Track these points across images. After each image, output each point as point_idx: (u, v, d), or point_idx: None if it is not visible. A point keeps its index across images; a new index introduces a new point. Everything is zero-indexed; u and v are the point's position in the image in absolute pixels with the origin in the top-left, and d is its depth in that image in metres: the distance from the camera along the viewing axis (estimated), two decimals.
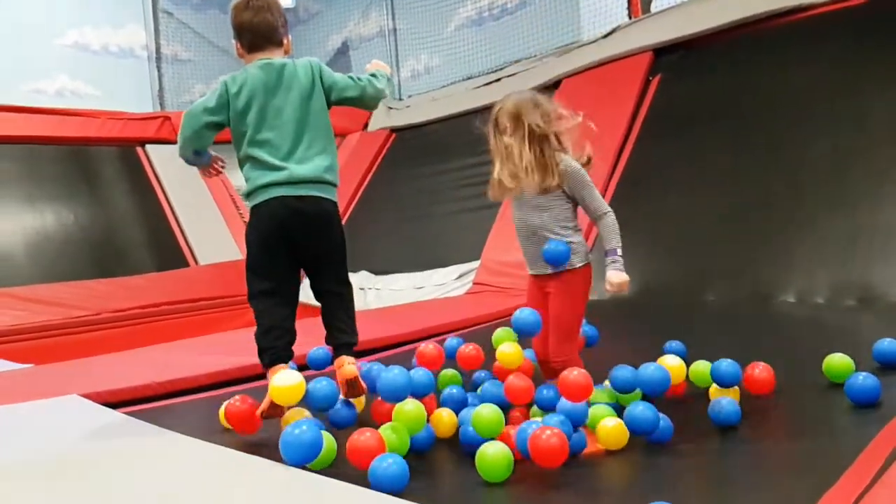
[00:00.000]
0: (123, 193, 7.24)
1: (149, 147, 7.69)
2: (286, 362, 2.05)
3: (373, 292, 5.99)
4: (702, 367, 2.24)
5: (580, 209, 2.29)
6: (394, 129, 7.82)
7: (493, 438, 1.76)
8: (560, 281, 2.25)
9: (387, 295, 5.79)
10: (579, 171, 2.26)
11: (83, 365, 3.35)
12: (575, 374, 1.88)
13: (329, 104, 2.17)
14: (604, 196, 4.85)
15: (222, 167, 2.28)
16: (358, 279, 6.21)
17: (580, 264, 2.26)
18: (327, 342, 2.20)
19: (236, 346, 3.29)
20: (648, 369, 2.01)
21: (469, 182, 5.72)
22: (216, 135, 2.16)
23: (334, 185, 2.13)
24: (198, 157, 2.23)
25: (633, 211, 4.78)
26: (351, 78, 2.18)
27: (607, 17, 6.18)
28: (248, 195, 2.08)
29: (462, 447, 1.88)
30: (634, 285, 4.31)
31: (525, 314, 2.18)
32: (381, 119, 8.15)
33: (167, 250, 7.00)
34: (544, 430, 1.68)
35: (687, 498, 1.53)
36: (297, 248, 2.08)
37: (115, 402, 2.54)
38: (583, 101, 5.68)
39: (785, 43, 4.71)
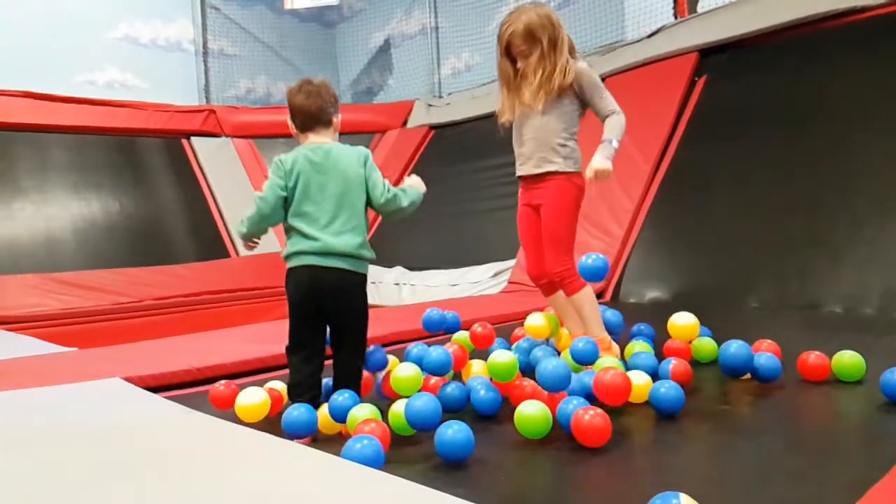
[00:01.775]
0: (168, 184, 7.39)
1: (194, 139, 7.84)
2: None
3: (407, 288, 6.02)
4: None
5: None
6: (433, 127, 7.85)
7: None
8: (551, 187, 2.30)
9: (421, 291, 5.81)
10: (592, 72, 2.40)
11: (126, 350, 3.43)
12: (611, 374, 1.85)
13: None
14: (645, 196, 4.88)
15: (257, 243, 2.44)
16: (393, 275, 6.25)
17: (571, 170, 2.31)
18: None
19: (273, 336, 3.34)
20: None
21: (507, 180, 5.66)
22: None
23: (365, 259, 2.26)
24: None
25: (676, 211, 4.74)
26: (385, 184, 2.29)
27: (652, 17, 6.10)
28: (286, 258, 2.26)
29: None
30: (674, 287, 4.32)
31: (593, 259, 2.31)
32: (420, 116, 8.18)
33: (209, 241, 7.13)
34: (587, 411, 1.70)
35: (724, 481, 1.53)
36: (322, 314, 2.23)
37: (155, 385, 2.61)
38: (626, 100, 5.61)
39: (838, 45, 4.59)
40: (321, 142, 2.29)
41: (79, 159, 6.95)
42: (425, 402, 1.88)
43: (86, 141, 7.12)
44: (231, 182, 7.64)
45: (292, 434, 1.97)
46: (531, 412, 1.80)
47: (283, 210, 2.27)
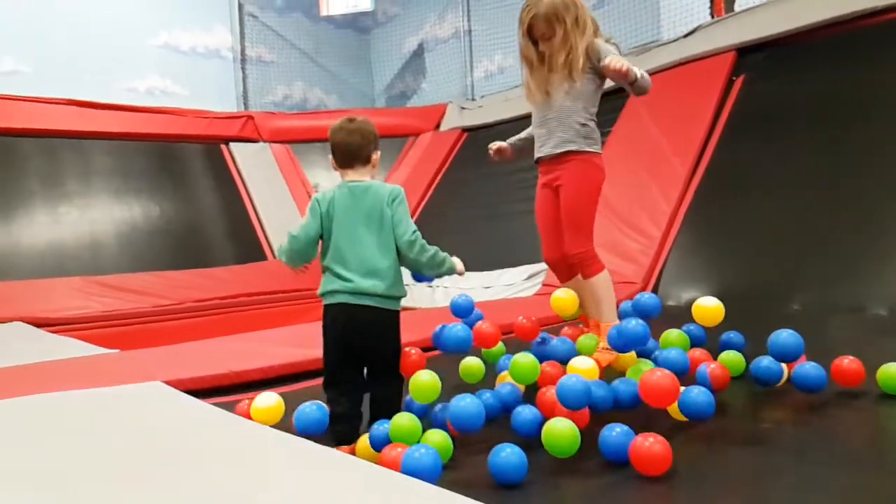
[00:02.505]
0: (207, 189, 7.53)
1: (232, 145, 7.99)
2: (350, 444, 2.21)
3: (441, 290, 6.03)
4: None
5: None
6: (465, 129, 7.85)
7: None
8: (571, 165, 2.28)
9: (455, 293, 5.81)
10: (603, 43, 2.39)
11: (166, 352, 3.49)
12: (658, 375, 1.78)
13: None
14: (683, 197, 4.82)
15: (306, 268, 2.45)
16: None
17: (592, 149, 2.29)
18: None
19: (309, 338, 3.38)
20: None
21: None
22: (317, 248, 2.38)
23: (396, 297, 2.28)
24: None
25: (715, 212, 4.67)
26: (411, 226, 2.28)
27: (688, 17, 6.02)
28: (321, 295, 2.31)
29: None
30: (713, 289, 4.24)
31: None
32: (453, 119, 8.19)
33: (247, 244, 7.24)
34: (647, 438, 1.62)
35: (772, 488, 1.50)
36: (355, 349, 2.27)
37: (195, 389, 2.65)
38: (662, 100, 5.62)
39: (878, 42, 4.48)
40: (359, 179, 2.33)
41: (121, 165, 7.12)
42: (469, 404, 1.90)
43: (128, 147, 7.29)
44: (269, 186, 7.76)
45: (304, 433, 2.02)
46: (561, 429, 1.76)
47: (315, 248, 2.33)
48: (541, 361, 2.23)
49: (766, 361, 2.26)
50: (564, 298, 2.40)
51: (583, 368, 2.14)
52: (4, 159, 6.50)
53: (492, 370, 2.57)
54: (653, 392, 1.81)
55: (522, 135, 2.62)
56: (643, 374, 1.86)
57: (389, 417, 2.24)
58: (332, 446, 2.19)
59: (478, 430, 1.90)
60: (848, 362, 2.18)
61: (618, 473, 1.68)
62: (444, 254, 2.32)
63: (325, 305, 2.28)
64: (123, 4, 8.10)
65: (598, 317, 2.35)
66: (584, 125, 2.35)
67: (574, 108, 2.36)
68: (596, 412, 1.97)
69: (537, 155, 2.45)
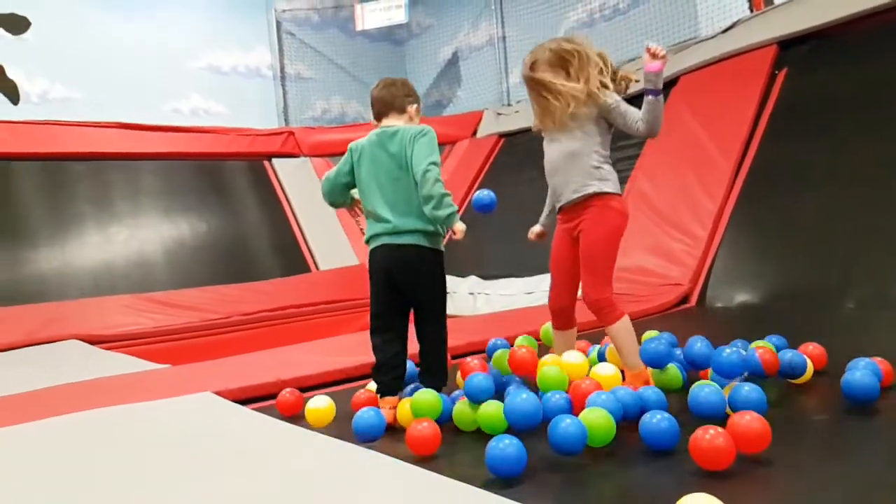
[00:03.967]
0: (251, 204, 7.66)
1: (275, 161, 8.13)
2: (394, 394, 2.27)
3: (482, 297, 6.02)
4: None
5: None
6: (502, 135, 7.83)
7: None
8: (591, 212, 2.22)
9: (496, 300, 5.80)
10: (611, 94, 2.31)
11: (216, 365, 3.55)
12: (748, 419, 1.64)
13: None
14: (728, 196, 4.72)
15: (360, 210, 2.54)
16: (467, 284, 6.26)
17: (611, 191, 2.23)
18: (419, 380, 2.41)
19: (355, 347, 3.40)
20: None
21: None
22: (350, 191, 2.51)
23: (434, 234, 2.33)
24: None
25: (763, 208, 4.55)
26: (428, 161, 2.28)
27: (727, 12, 5.92)
28: (366, 241, 2.41)
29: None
30: (764, 290, 4.14)
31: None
32: (489, 125, 8.19)
33: (291, 257, 7.34)
34: (706, 431, 1.57)
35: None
36: (399, 291, 2.33)
37: (244, 399, 2.69)
38: (703, 97, 5.52)
39: None
40: (391, 125, 2.40)
41: (168, 184, 7.29)
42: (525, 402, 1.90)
43: (174, 166, 7.47)
44: (310, 199, 7.83)
45: (362, 438, 2.03)
46: (595, 418, 1.79)
47: (346, 192, 2.47)
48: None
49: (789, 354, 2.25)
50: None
51: (606, 375, 2.17)
52: (57, 183, 6.72)
53: None
54: (743, 438, 1.64)
55: (547, 207, 2.57)
56: (733, 419, 1.68)
57: (436, 369, 2.33)
58: (379, 396, 2.31)
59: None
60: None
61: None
62: (454, 205, 2.30)
63: (370, 251, 2.38)
64: (166, 29, 8.34)
65: (623, 365, 2.28)
66: (597, 168, 2.28)
67: (585, 152, 2.30)
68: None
69: (558, 204, 2.38)
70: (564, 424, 1.73)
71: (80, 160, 6.94)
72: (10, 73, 7.27)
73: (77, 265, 6.34)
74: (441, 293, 2.37)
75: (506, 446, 1.64)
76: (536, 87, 2.38)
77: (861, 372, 1.96)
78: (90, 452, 1.99)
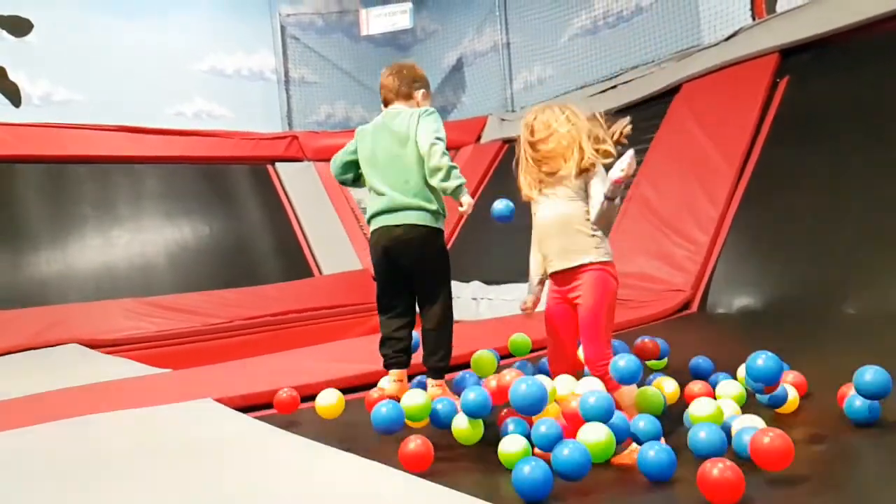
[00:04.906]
0: (254, 208, 7.66)
1: (278, 165, 8.13)
2: (400, 367, 2.34)
3: (485, 302, 6.02)
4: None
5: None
6: (506, 141, 7.84)
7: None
8: (589, 279, 2.18)
9: (499, 305, 5.80)
10: (601, 171, 2.25)
11: (217, 370, 3.56)
12: (770, 437, 1.64)
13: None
14: (730, 202, 4.72)
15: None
16: (470, 289, 6.26)
17: (606, 259, 2.21)
18: (423, 361, 2.46)
19: (358, 353, 3.40)
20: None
21: None
22: (356, 170, 2.58)
23: (432, 211, 2.35)
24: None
25: (764, 215, 4.57)
26: (434, 137, 2.35)
27: (729, 20, 5.92)
28: (368, 221, 2.46)
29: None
30: (764, 295, 4.15)
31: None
32: (493, 131, 8.21)
33: (294, 261, 7.34)
34: (716, 463, 1.53)
35: None
36: (400, 270, 2.38)
37: (245, 406, 2.68)
38: (705, 104, 5.53)
39: None
40: (397, 111, 2.45)
41: (170, 188, 7.30)
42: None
43: (176, 170, 7.47)
44: (313, 204, 7.87)
45: (382, 430, 2.05)
46: (595, 439, 1.75)
47: (350, 168, 2.54)
48: None
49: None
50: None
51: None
52: (59, 186, 6.72)
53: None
54: (767, 457, 1.63)
55: (535, 277, 2.43)
56: (755, 438, 1.66)
57: (436, 350, 2.36)
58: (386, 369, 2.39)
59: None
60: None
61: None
62: (462, 177, 2.35)
63: (371, 232, 2.44)
64: (170, 32, 8.34)
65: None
66: (592, 236, 2.23)
67: (578, 215, 2.25)
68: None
69: (550, 270, 2.30)
70: (567, 451, 1.68)
71: (83, 163, 6.94)
72: (13, 76, 7.27)
73: (78, 268, 6.35)
74: (440, 272, 2.39)
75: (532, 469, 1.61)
76: (551, 139, 2.29)
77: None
78: (86, 458, 1.99)
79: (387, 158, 2.40)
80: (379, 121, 2.46)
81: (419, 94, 2.51)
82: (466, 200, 2.31)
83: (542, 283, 2.42)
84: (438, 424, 2.13)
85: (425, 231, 2.34)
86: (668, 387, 2.30)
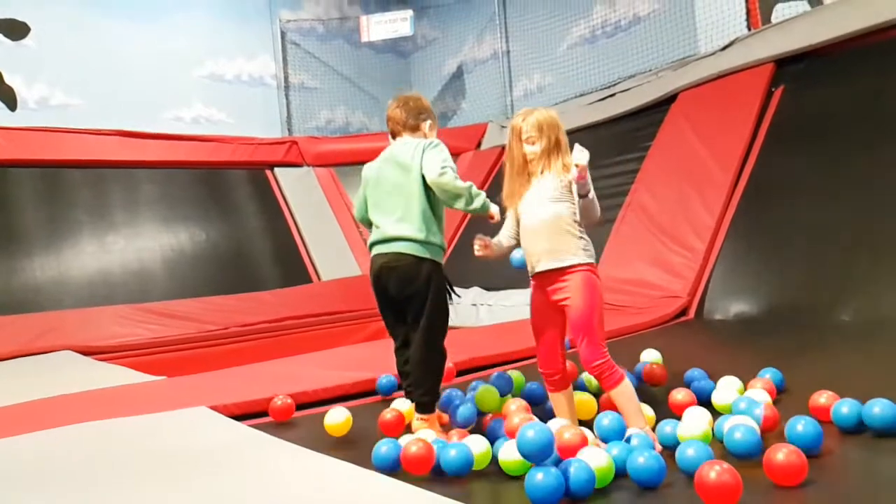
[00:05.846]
0: (253, 214, 7.64)
1: (277, 170, 8.12)
2: (426, 411, 2.34)
3: (485, 308, 6.01)
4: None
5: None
6: (506, 147, 7.83)
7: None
8: (576, 281, 2.18)
9: (499, 311, 5.80)
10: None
11: (212, 378, 3.54)
12: (784, 453, 1.64)
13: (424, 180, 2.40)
14: (726, 210, 4.73)
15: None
16: (470, 295, 6.26)
17: (592, 260, 2.23)
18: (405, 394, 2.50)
19: (356, 360, 3.39)
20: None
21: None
22: None
23: (420, 241, 2.35)
24: None
25: (759, 222, 4.59)
26: (442, 164, 2.34)
27: (725, 30, 5.94)
28: (369, 248, 2.50)
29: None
30: (760, 302, 4.15)
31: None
32: (493, 137, 8.22)
33: (292, 267, 7.32)
34: (713, 466, 1.54)
35: None
36: (391, 299, 2.42)
37: (240, 414, 2.67)
38: (702, 113, 5.55)
39: None
40: (404, 141, 2.49)
41: (168, 193, 7.26)
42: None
43: (174, 175, 7.44)
44: (313, 209, 7.85)
45: (381, 468, 1.93)
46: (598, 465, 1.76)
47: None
48: None
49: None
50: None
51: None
52: (54, 190, 6.69)
53: None
54: (780, 472, 1.66)
55: (504, 241, 2.44)
56: (770, 454, 1.67)
57: (419, 384, 2.34)
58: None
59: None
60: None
61: None
62: (481, 191, 2.35)
63: (371, 258, 2.47)
64: (169, 37, 8.34)
65: (628, 425, 2.21)
66: (579, 237, 2.24)
67: (564, 217, 2.24)
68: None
69: (536, 270, 2.28)
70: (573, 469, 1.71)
71: (79, 168, 6.91)
72: (8, 80, 7.24)
73: (73, 274, 6.31)
74: (431, 305, 2.34)
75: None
76: (541, 139, 2.32)
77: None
78: (79, 466, 1.98)
79: (390, 187, 2.43)
80: (387, 152, 2.51)
81: (426, 125, 2.55)
82: (495, 211, 2.39)
83: (504, 245, 2.43)
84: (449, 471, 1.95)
85: (412, 260, 2.34)
86: None
